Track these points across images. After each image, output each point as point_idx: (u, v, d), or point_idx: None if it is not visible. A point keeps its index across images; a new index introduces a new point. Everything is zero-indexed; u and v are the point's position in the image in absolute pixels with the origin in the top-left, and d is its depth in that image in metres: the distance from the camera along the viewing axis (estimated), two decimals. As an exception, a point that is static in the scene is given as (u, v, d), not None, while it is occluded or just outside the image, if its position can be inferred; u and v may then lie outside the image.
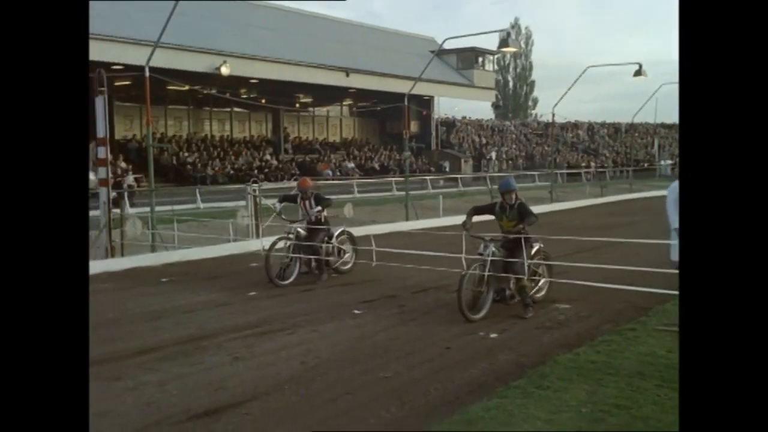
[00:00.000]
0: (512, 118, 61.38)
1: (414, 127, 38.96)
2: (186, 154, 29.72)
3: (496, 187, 8.27)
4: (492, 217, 7.89)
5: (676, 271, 5.04)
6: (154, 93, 14.87)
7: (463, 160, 41.20)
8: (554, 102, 31.10)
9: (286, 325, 7.24)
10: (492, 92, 46.89)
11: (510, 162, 44.55)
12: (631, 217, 19.40)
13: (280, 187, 20.11)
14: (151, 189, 13.32)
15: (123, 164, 25.12)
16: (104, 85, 11.56)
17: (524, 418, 4.35)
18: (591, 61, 69.22)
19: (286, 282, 9.40)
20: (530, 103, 70.87)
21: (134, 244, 12.37)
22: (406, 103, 18.76)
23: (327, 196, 10.74)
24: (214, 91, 28.64)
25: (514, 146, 47.90)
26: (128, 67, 19.92)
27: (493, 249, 7.41)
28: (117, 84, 25.23)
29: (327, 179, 29.97)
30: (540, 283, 7.98)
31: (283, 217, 10.04)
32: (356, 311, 7.84)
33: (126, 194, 19.35)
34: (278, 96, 31.69)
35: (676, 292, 3.30)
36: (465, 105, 49.66)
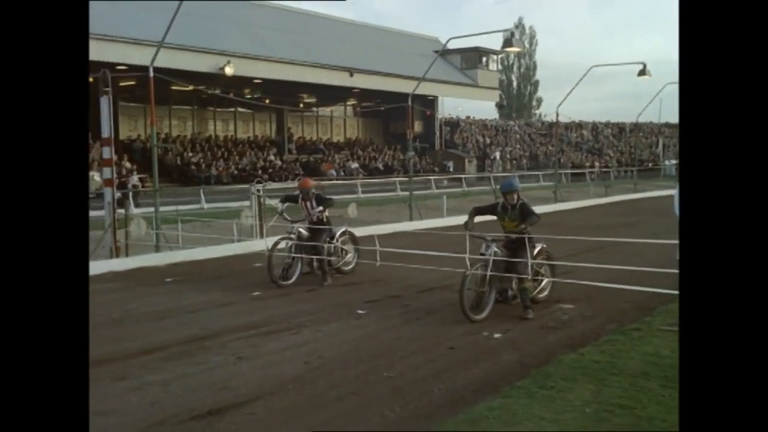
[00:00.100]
0: (516, 118, 61.32)
1: (418, 127, 38.98)
2: (190, 154, 29.77)
3: (499, 187, 8.26)
4: (494, 217, 7.88)
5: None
6: (159, 93, 14.90)
7: (467, 160, 41.17)
8: (558, 102, 31.01)
9: (290, 325, 7.24)
10: (496, 92, 46.86)
11: (514, 162, 44.51)
12: (636, 217, 19.36)
13: (284, 187, 20.12)
14: (156, 189, 13.34)
15: (127, 164, 25.20)
16: (109, 86, 11.58)
17: (528, 418, 4.35)
18: (595, 60, 69.20)
19: (288, 282, 9.40)
20: (534, 102, 70.79)
21: (139, 244, 12.40)
22: (409, 103, 18.76)
23: (329, 196, 10.73)
24: (218, 92, 28.68)
25: (518, 146, 47.85)
26: (132, 68, 20.01)
27: (495, 249, 7.40)
28: (122, 84, 25.30)
29: (331, 179, 29.99)
30: (543, 284, 7.97)
31: (286, 216, 10.04)
32: (360, 311, 7.84)
33: (130, 194, 19.43)
34: (282, 96, 31.72)
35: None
36: (469, 105, 49.67)
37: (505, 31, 17.54)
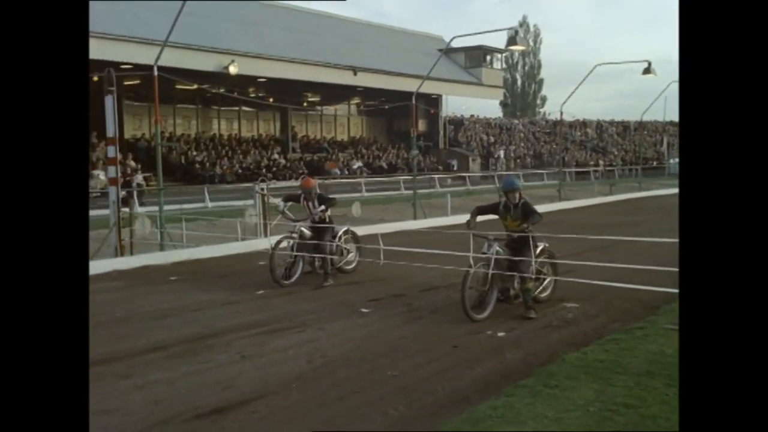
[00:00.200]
0: (520, 116, 61.21)
1: (422, 125, 38.97)
2: (194, 153, 29.81)
3: (500, 186, 8.24)
4: (496, 216, 7.86)
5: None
6: (163, 92, 14.94)
7: (471, 159, 41.13)
8: (563, 100, 31.02)
9: (293, 323, 7.25)
10: (500, 90, 46.76)
11: (518, 160, 44.45)
12: (640, 216, 19.32)
13: (288, 186, 20.13)
14: (160, 188, 13.37)
15: (132, 163, 25.25)
16: (113, 85, 11.60)
17: (532, 417, 4.34)
18: (600, 59, 68.99)
19: (289, 282, 9.40)
20: (538, 101, 70.66)
21: (143, 242, 12.43)
22: (413, 101, 18.75)
23: (332, 196, 10.71)
24: (222, 90, 28.70)
25: (522, 145, 47.77)
26: (137, 67, 20.03)
27: (497, 248, 7.39)
28: (126, 83, 25.37)
29: (335, 178, 30.00)
30: (545, 283, 7.95)
31: (288, 215, 10.04)
32: (364, 310, 7.85)
33: (135, 193, 19.45)
34: (286, 95, 31.73)
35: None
36: (473, 103, 49.59)
37: (509, 29, 17.56)
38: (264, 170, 29.41)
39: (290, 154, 34.27)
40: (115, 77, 11.65)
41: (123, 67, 21.04)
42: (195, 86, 27.18)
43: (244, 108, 35.28)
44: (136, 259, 11.62)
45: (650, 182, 32.68)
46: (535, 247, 7.59)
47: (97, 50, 21.61)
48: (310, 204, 9.78)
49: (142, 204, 19.44)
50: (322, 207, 9.74)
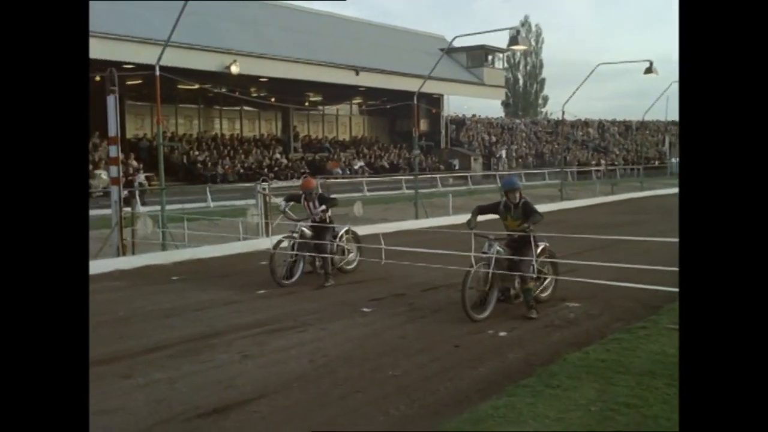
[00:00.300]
0: (522, 116, 61.20)
1: (423, 125, 38.98)
2: (196, 152, 29.84)
3: (501, 185, 8.23)
4: (497, 216, 7.85)
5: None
6: (165, 92, 14.93)
7: (472, 159, 41.14)
8: (564, 100, 31.01)
9: (295, 323, 7.25)
10: (502, 90, 46.78)
11: (520, 160, 44.44)
12: (642, 216, 19.30)
13: (290, 186, 20.14)
14: (162, 187, 13.38)
15: (134, 163, 25.29)
16: (115, 84, 11.61)
17: (533, 417, 4.34)
18: (601, 58, 68.97)
19: (290, 282, 9.39)
20: (540, 101, 70.62)
21: (145, 242, 12.44)
22: (415, 101, 18.74)
23: (333, 196, 10.69)
24: (224, 90, 28.71)
25: (524, 144, 47.77)
26: (139, 66, 20.05)
27: (498, 248, 7.37)
28: (128, 83, 25.38)
29: (337, 178, 30.01)
30: (545, 283, 7.93)
31: (290, 214, 10.04)
32: (365, 309, 7.85)
33: (137, 193, 19.47)
34: (288, 94, 31.74)
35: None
36: (475, 103, 49.60)
37: (511, 29, 17.50)
38: (266, 170, 29.45)
39: (292, 154, 34.30)
40: (117, 77, 11.66)
41: (125, 66, 21.04)
42: (197, 86, 27.19)
43: (246, 108, 35.32)
44: (138, 258, 11.63)
45: (652, 182, 32.65)
46: (536, 246, 7.58)
47: (100, 50, 21.65)
48: (311, 204, 9.78)
49: (144, 204, 19.47)
50: (323, 207, 9.74)
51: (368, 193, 26.93)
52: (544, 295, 7.90)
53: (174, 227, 13.22)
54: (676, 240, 2.90)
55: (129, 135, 28.63)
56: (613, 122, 55.02)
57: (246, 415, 4.67)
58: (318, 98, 37.99)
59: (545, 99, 70.52)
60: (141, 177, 23.95)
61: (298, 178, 27.10)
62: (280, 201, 10.61)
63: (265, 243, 11.83)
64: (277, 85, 31.35)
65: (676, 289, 6.67)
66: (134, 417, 4.66)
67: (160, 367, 5.75)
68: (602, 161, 45.21)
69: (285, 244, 9.63)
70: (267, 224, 13.47)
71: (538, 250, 7.61)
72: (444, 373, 5.50)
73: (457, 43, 28.69)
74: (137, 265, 11.27)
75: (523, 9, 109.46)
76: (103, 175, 21.73)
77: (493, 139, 46.25)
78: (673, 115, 48.11)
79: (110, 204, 11.96)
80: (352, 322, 7.32)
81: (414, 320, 7.34)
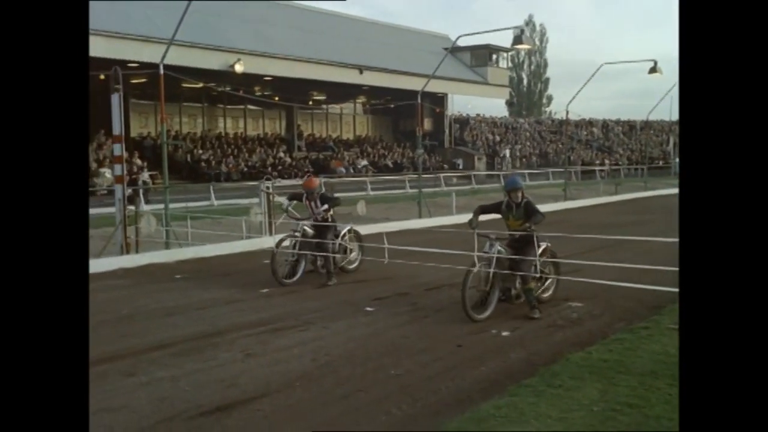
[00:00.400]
0: (526, 115, 61.12)
1: (427, 124, 38.95)
2: (200, 151, 29.88)
3: (503, 185, 8.23)
4: (499, 216, 7.85)
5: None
6: (169, 90, 14.98)
7: (476, 158, 41.10)
8: (569, 99, 30.96)
9: (297, 322, 7.26)
10: (506, 90, 46.71)
11: (524, 160, 44.38)
12: (646, 216, 19.26)
13: (293, 184, 20.16)
14: (166, 186, 13.40)
15: (138, 161, 25.32)
16: (120, 83, 11.63)
17: (535, 417, 4.34)
18: (606, 58, 68.88)
19: (291, 281, 9.39)
20: (544, 100, 70.49)
21: (149, 240, 12.47)
22: (419, 100, 18.74)
23: (335, 195, 10.68)
24: (228, 89, 28.77)
25: (528, 144, 47.69)
26: (143, 65, 20.13)
27: (499, 248, 7.36)
28: (132, 81, 25.43)
29: (340, 177, 30.02)
30: (546, 283, 7.92)
31: (294, 213, 10.05)
32: (368, 309, 7.85)
33: (141, 191, 19.51)
34: (292, 93, 31.78)
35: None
36: (479, 102, 49.55)
37: (515, 28, 17.45)
38: (269, 168, 29.46)
39: (296, 153, 34.31)
40: (121, 75, 11.68)
41: (129, 65, 21.13)
42: (201, 85, 27.26)
43: (250, 106, 35.34)
44: (142, 257, 11.66)
45: (656, 182, 32.59)
46: (537, 246, 7.57)
47: (104, 48, 21.70)
48: (313, 204, 9.79)
49: (147, 202, 19.52)
50: (325, 206, 9.74)
51: (372, 192, 26.93)
52: (545, 295, 7.88)
53: (177, 226, 13.24)
54: (676, 240, 2.90)
55: (133, 133, 28.68)
56: (617, 122, 54.90)
57: (248, 413, 4.68)
58: (322, 97, 37.99)
59: (549, 98, 70.44)
60: (145, 175, 23.99)
61: (302, 176, 27.12)
62: (283, 200, 10.61)
63: (268, 242, 11.84)
64: (281, 83, 31.36)
65: (678, 290, 6.67)
66: (137, 415, 4.68)
67: (163, 366, 5.77)
68: (606, 161, 45.11)
69: (287, 243, 9.63)
70: (270, 223, 13.49)
71: (540, 250, 7.60)
72: (446, 372, 5.50)
73: (461, 43, 28.65)
74: (141, 264, 11.29)
75: (528, 8, 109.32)
76: (107, 173, 21.78)
77: (497, 138, 46.20)
78: (678, 114, 48.01)
79: (114, 202, 11.99)
80: (355, 321, 7.32)
81: (417, 320, 7.34)
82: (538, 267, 7.60)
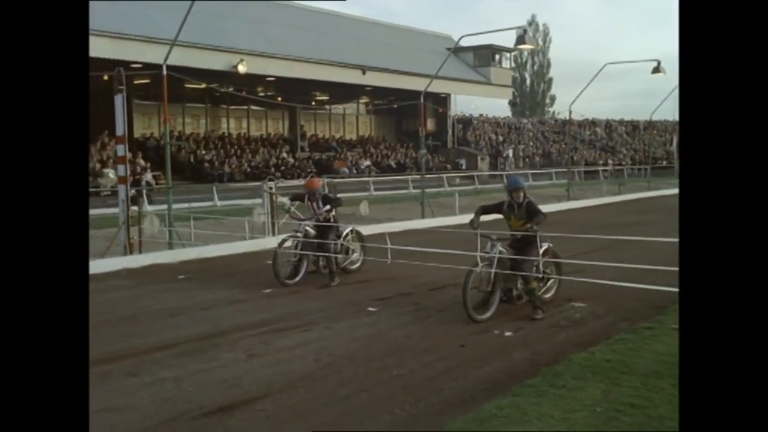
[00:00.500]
0: (529, 115, 61.08)
1: (430, 124, 38.95)
2: (203, 151, 29.92)
3: (505, 185, 8.22)
4: (501, 216, 7.84)
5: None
6: (172, 91, 14.98)
7: (479, 158, 41.09)
8: (572, 99, 30.92)
9: (300, 322, 7.26)
10: (509, 90, 46.68)
11: (527, 160, 44.35)
12: (649, 216, 19.23)
13: (296, 185, 20.17)
14: (169, 186, 13.42)
15: (142, 162, 25.38)
16: (123, 84, 11.65)
17: (538, 417, 4.33)
18: (609, 58, 68.75)
19: (293, 281, 9.38)
20: (547, 100, 70.47)
21: (152, 241, 12.48)
22: (422, 100, 18.73)
23: (337, 196, 10.66)
24: (231, 89, 28.78)
25: (531, 144, 47.67)
26: (147, 66, 20.12)
27: (501, 248, 7.35)
28: (136, 82, 25.48)
29: (343, 177, 30.03)
30: (548, 283, 7.90)
31: (296, 213, 10.05)
32: (371, 309, 7.85)
33: (144, 191, 19.54)
34: (295, 94, 31.80)
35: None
36: (481, 102, 49.54)
37: (518, 28, 17.43)
38: (272, 169, 29.48)
39: (299, 153, 34.34)
40: (124, 76, 11.70)
41: (132, 66, 21.15)
42: (204, 85, 27.27)
43: (253, 107, 35.39)
44: (145, 257, 11.68)
45: (659, 182, 32.52)
46: (539, 247, 7.55)
47: (108, 49, 21.77)
48: (315, 204, 9.79)
49: (151, 202, 19.54)
50: (327, 207, 9.74)
51: (375, 193, 26.94)
52: (547, 296, 7.85)
53: (181, 226, 13.26)
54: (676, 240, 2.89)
55: (137, 134, 28.75)
56: (621, 122, 54.84)
57: (251, 413, 4.68)
58: (325, 97, 38.02)
59: (552, 98, 70.41)
60: (148, 176, 24.02)
61: (305, 177, 27.14)
62: (285, 200, 10.62)
63: (271, 242, 11.85)
64: (284, 84, 31.39)
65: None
66: (140, 415, 4.68)
67: (166, 366, 5.77)
68: (609, 161, 45.06)
69: (289, 243, 9.63)
70: (273, 223, 13.49)
71: (541, 251, 7.59)
72: (449, 372, 5.50)
73: (464, 43, 28.66)
74: (144, 264, 11.31)
75: (531, 8, 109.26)
76: (111, 173, 21.83)
77: (500, 138, 46.18)
78: (681, 114, 47.90)
79: (117, 203, 12.01)
80: (358, 321, 7.32)
81: (419, 320, 7.34)
82: (540, 267, 7.59)
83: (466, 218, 7.93)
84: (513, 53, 47.08)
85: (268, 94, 33.91)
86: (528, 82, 70.00)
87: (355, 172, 33.49)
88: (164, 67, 12.28)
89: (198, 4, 12.06)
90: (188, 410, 4.74)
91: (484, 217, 7.81)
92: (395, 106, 33.19)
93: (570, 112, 24.95)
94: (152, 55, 20.38)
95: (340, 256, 9.81)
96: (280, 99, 32.22)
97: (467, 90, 41.23)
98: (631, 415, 4.37)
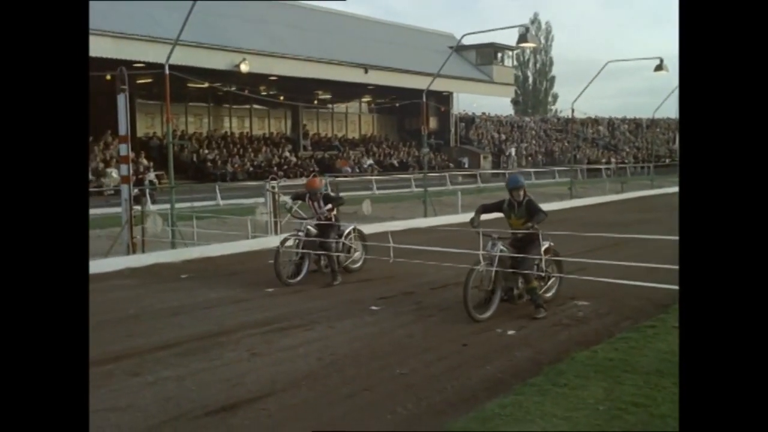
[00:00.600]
0: (532, 113, 60.98)
1: (433, 123, 38.91)
2: (206, 151, 29.94)
3: (505, 184, 8.21)
4: (501, 215, 7.83)
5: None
6: (175, 90, 15.00)
7: (482, 157, 41.05)
8: (574, 97, 30.87)
9: (303, 321, 7.27)
10: (511, 88, 46.63)
11: (529, 158, 44.30)
12: (652, 214, 19.20)
13: (299, 184, 20.18)
14: (172, 186, 13.44)
15: (144, 161, 25.41)
16: (126, 83, 11.66)
17: (540, 416, 4.34)
18: (611, 56, 68.58)
19: (295, 281, 9.38)
20: (550, 98, 70.36)
21: (155, 240, 12.49)
22: (424, 99, 18.72)
23: (339, 195, 10.65)
24: (233, 89, 28.78)
25: (533, 142, 47.61)
26: (149, 65, 20.15)
27: (501, 247, 7.34)
28: (139, 82, 25.49)
29: (346, 176, 30.03)
30: (549, 282, 7.90)
31: (299, 212, 10.05)
32: (373, 308, 7.86)
33: (147, 191, 19.57)
34: (297, 93, 31.79)
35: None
36: (484, 101, 49.50)
37: (520, 26, 17.45)
38: (275, 168, 29.49)
39: (301, 152, 34.34)
40: (127, 76, 11.71)
41: (135, 65, 21.16)
42: (206, 84, 27.28)
43: (256, 106, 35.39)
44: (148, 256, 11.69)
45: (662, 180, 32.46)
46: (540, 245, 7.54)
47: (110, 49, 21.79)
48: (316, 204, 9.79)
49: (154, 202, 19.58)
50: (328, 206, 9.74)
51: (377, 191, 26.94)
52: (548, 295, 7.83)
53: (183, 225, 13.28)
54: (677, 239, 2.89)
55: (139, 133, 28.75)
56: (624, 120, 54.75)
57: (254, 412, 4.69)
58: (327, 96, 38.01)
59: (555, 97, 70.30)
60: (151, 175, 24.06)
61: (308, 176, 27.14)
62: (287, 199, 10.62)
63: (273, 241, 11.86)
64: (286, 83, 31.39)
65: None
66: (143, 414, 4.69)
67: (169, 365, 5.78)
68: (612, 159, 45.01)
69: (291, 242, 9.64)
70: (276, 222, 13.50)
71: (542, 250, 7.58)
72: (451, 371, 5.50)
73: (466, 41, 28.67)
74: (147, 263, 11.33)
75: (533, 7, 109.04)
76: (114, 173, 21.86)
77: (503, 137, 46.13)
78: (684, 112, 47.78)
79: (120, 202, 12.03)
80: (360, 320, 7.33)
81: (422, 319, 7.34)
82: (542, 266, 7.58)
83: (469, 217, 7.93)
84: (515, 51, 47.01)
85: (271, 93, 33.91)
86: (530, 80, 69.91)
87: (357, 170, 33.49)
88: (167, 67, 12.29)
89: (200, 4, 12.07)
90: (191, 409, 4.75)
91: (485, 216, 7.81)
92: (397, 104, 33.16)
93: (573, 111, 24.89)
94: (155, 54, 20.41)
95: (341, 255, 9.81)
96: (282, 98, 32.21)
97: (470, 88, 41.17)
98: (633, 413, 4.37)
